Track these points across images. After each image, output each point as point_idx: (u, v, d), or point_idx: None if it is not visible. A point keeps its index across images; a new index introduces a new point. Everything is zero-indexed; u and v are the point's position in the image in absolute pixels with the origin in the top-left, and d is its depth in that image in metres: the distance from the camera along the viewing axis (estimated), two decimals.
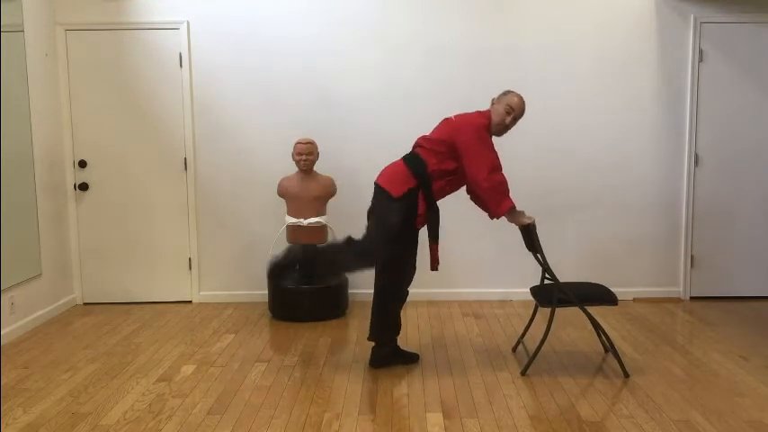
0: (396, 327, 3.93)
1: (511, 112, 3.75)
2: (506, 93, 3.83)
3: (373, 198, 3.85)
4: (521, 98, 3.79)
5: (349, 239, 3.91)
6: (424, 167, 3.69)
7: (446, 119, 3.84)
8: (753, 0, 5.11)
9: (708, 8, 5.14)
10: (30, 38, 4.75)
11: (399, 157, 3.88)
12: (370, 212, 3.87)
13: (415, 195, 3.68)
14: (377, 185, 3.81)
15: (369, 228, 3.86)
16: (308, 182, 4.86)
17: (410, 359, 3.96)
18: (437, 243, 3.80)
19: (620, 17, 5.17)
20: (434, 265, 3.81)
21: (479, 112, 3.81)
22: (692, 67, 5.18)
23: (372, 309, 3.89)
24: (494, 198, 3.65)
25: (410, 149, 3.88)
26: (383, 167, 3.89)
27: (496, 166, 3.66)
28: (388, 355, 3.91)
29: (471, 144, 3.63)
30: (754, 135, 5.25)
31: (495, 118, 3.75)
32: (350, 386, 3.62)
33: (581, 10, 5.17)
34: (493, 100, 3.87)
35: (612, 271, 5.28)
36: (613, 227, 5.33)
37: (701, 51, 5.18)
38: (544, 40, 5.18)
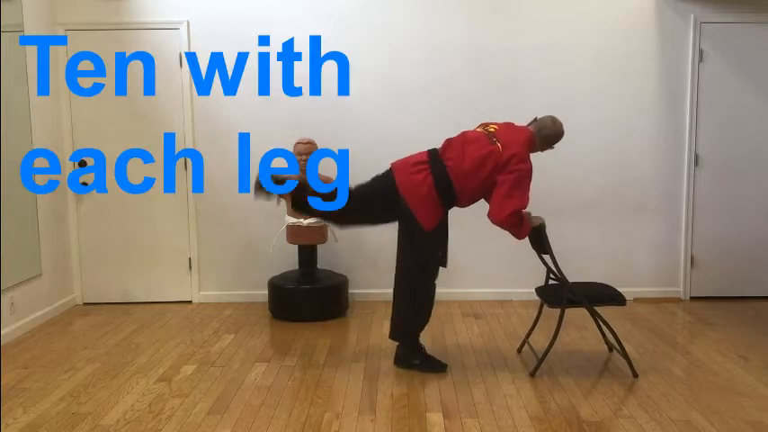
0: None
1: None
2: (553, 131, 3.73)
3: (405, 211, 3.64)
4: (562, 132, 3.78)
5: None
6: (456, 199, 3.66)
7: (489, 142, 3.62)
8: (753, 0, 5.11)
9: (708, 8, 5.14)
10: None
11: (409, 154, 3.80)
12: (404, 228, 3.72)
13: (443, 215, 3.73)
14: (407, 206, 3.63)
15: (408, 248, 3.72)
16: None
17: (436, 367, 3.84)
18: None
19: (620, 17, 5.17)
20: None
21: (527, 138, 3.66)
22: (692, 67, 5.18)
23: (403, 306, 3.80)
24: (510, 230, 3.65)
25: (437, 150, 3.73)
26: (403, 166, 3.71)
27: (521, 208, 3.57)
28: (413, 353, 3.84)
29: (510, 187, 3.54)
30: (754, 135, 5.25)
31: (536, 149, 3.76)
32: (350, 386, 3.62)
33: (581, 10, 5.17)
34: (538, 122, 3.75)
35: (612, 271, 5.27)
36: (613, 227, 5.33)
37: (701, 51, 5.18)
38: (544, 40, 5.17)
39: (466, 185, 3.63)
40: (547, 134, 3.73)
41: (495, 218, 3.59)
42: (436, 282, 3.85)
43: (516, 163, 3.55)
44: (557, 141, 3.79)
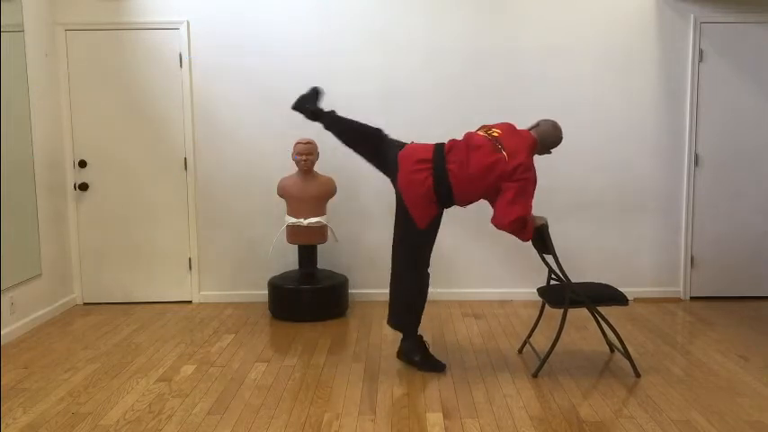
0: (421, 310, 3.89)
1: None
2: (554, 137, 3.77)
3: (401, 205, 3.72)
4: (562, 138, 3.82)
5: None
6: (453, 201, 3.67)
7: (494, 149, 3.60)
8: (753, 0, 5.11)
9: (708, 8, 5.14)
10: (30, 38, 4.75)
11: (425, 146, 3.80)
12: (401, 219, 3.76)
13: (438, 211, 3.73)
14: (404, 202, 3.68)
15: (402, 235, 3.75)
16: (307, 182, 4.86)
17: (435, 366, 3.84)
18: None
19: (621, 17, 5.17)
20: None
21: (530, 144, 3.66)
22: (692, 67, 5.18)
23: (398, 293, 3.83)
24: (514, 233, 3.64)
25: (444, 147, 3.68)
26: (408, 160, 3.68)
27: (525, 215, 3.56)
28: (414, 349, 3.85)
29: (515, 194, 3.54)
30: (754, 135, 5.25)
31: (540, 152, 3.78)
32: (350, 386, 3.62)
33: (581, 10, 5.17)
34: (540, 128, 3.76)
35: (612, 271, 5.27)
36: (613, 227, 5.33)
37: (701, 51, 5.18)
38: (545, 40, 5.17)
39: (467, 190, 3.63)
40: (548, 141, 3.78)
41: (498, 223, 3.60)
42: (429, 279, 3.86)
43: (522, 172, 3.56)
44: (555, 147, 3.84)
